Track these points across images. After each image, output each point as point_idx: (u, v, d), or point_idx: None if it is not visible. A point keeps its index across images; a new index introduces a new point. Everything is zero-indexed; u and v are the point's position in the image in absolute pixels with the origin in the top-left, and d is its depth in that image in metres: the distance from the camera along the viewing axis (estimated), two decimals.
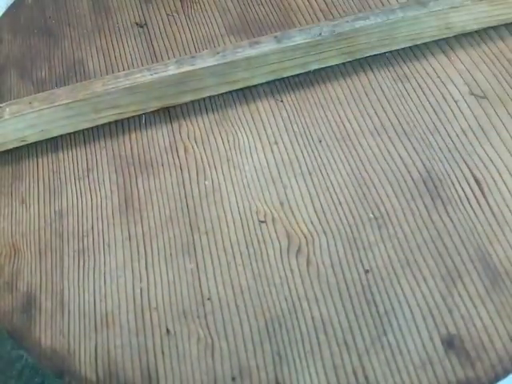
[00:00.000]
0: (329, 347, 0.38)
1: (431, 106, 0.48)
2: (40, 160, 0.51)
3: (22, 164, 0.52)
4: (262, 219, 0.44)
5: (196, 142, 0.50)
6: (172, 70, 0.49)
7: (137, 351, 0.40)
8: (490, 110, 0.47)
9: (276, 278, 0.41)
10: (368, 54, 0.52)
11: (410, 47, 0.52)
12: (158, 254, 0.44)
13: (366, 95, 0.50)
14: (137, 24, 0.61)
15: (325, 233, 0.43)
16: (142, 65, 0.57)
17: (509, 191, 0.43)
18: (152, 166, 0.49)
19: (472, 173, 0.44)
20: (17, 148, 0.52)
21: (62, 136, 0.52)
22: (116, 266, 0.44)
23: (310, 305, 0.40)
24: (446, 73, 0.50)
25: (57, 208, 0.48)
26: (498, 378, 0.36)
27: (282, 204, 0.45)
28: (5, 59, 0.61)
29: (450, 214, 0.42)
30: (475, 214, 0.42)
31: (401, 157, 0.46)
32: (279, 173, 0.47)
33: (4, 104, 0.50)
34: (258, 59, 0.50)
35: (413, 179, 0.45)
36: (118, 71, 0.56)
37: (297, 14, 0.58)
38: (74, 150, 0.51)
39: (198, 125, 0.51)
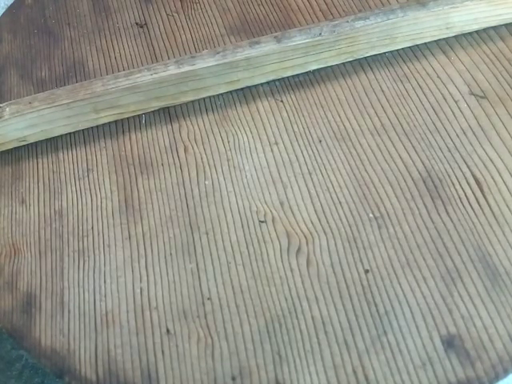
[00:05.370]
0: (329, 347, 0.38)
1: (431, 106, 0.48)
2: (40, 160, 0.51)
3: (21, 164, 0.52)
4: (262, 219, 0.44)
5: (196, 142, 0.50)
6: (172, 69, 0.49)
7: (137, 351, 0.40)
8: (489, 110, 0.47)
9: (276, 278, 0.41)
10: (368, 54, 0.52)
11: (409, 47, 0.52)
12: (158, 253, 0.44)
13: (366, 95, 0.50)
14: (137, 24, 0.61)
15: (325, 232, 0.43)
16: (142, 65, 0.57)
17: (509, 191, 0.43)
18: (152, 165, 0.49)
19: (472, 173, 0.44)
20: (17, 148, 0.52)
21: (61, 136, 0.52)
22: (116, 266, 0.44)
23: (310, 304, 0.40)
24: (446, 73, 0.50)
25: (57, 208, 0.48)
26: (499, 377, 0.36)
27: (282, 204, 0.45)
28: (5, 59, 0.61)
29: (450, 213, 0.42)
30: (475, 213, 0.42)
31: (401, 157, 0.46)
32: (279, 173, 0.47)
33: (4, 104, 0.50)
34: (257, 59, 0.50)
35: (413, 179, 0.45)
36: (118, 71, 0.56)
37: (297, 14, 0.58)
38: (73, 150, 0.51)
39: (198, 125, 0.51)
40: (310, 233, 0.43)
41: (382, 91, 0.50)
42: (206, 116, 0.51)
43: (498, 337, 0.37)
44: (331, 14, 0.57)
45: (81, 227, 0.46)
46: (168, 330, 0.40)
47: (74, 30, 0.62)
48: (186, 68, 0.49)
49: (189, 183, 0.47)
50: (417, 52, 0.52)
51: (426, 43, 0.52)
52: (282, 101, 0.51)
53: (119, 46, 0.59)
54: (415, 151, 0.46)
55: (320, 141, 0.48)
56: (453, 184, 0.44)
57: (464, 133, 0.46)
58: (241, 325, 0.40)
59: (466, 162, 0.45)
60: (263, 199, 0.45)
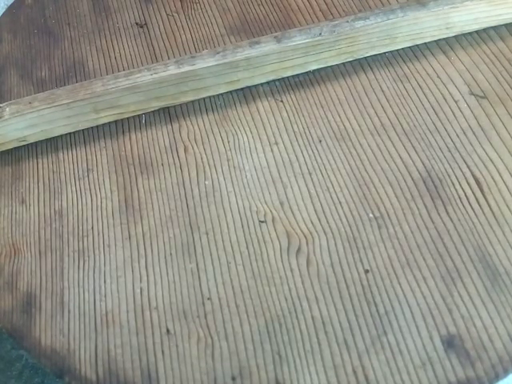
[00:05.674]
0: (329, 347, 0.38)
1: (431, 106, 0.48)
2: (40, 160, 0.51)
3: (21, 164, 0.52)
4: (262, 219, 0.44)
5: (196, 142, 0.50)
6: (172, 69, 0.49)
7: (137, 351, 0.40)
8: (489, 110, 0.47)
9: (276, 278, 0.41)
10: (368, 54, 0.52)
11: (409, 47, 0.52)
12: (158, 253, 0.44)
13: (366, 95, 0.50)
14: (137, 24, 0.61)
15: (325, 232, 0.43)
16: (142, 65, 0.57)
17: (509, 191, 0.43)
18: (152, 165, 0.49)
19: (472, 173, 0.44)
20: (17, 148, 0.52)
21: (61, 136, 0.52)
22: (116, 266, 0.44)
23: (310, 304, 0.40)
24: (446, 73, 0.50)
25: (57, 208, 0.48)
26: (499, 377, 0.36)
27: (282, 204, 0.45)
28: (5, 59, 0.61)
29: (450, 213, 0.42)
30: (475, 213, 0.42)
31: (401, 157, 0.46)
32: (279, 173, 0.47)
33: (4, 104, 0.50)
34: (257, 59, 0.50)
35: (413, 179, 0.45)
36: (118, 71, 0.56)
37: (297, 14, 0.58)
38: (73, 150, 0.51)
39: (198, 125, 0.51)
40: (310, 233, 0.43)
41: (382, 91, 0.50)
42: (206, 116, 0.51)
43: (498, 337, 0.37)
44: (331, 14, 0.57)
45: (81, 227, 0.46)
46: (168, 330, 0.40)
47: (73, 30, 0.62)
48: (186, 68, 0.49)
49: (189, 183, 0.47)
50: (417, 52, 0.52)
51: (425, 43, 0.52)
52: (281, 101, 0.51)
53: (119, 46, 0.59)
54: (415, 151, 0.46)
55: (320, 141, 0.48)
56: (453, 184, 0.44)
57: (464, 133, 0.46)
58: (241, 325, 0.40)
59: (466, 162, 0.45)
60: (263, 199, 0.45)
